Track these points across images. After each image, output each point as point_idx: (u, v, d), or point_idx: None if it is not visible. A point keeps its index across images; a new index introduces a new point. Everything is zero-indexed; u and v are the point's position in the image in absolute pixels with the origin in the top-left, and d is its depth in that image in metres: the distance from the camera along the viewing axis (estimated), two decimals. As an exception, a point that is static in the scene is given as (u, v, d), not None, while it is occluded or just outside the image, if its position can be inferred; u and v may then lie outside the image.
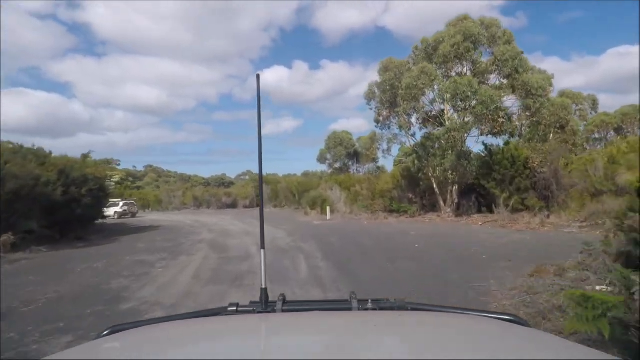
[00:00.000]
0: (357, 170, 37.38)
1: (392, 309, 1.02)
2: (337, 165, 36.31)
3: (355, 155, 35.68)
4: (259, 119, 1.26)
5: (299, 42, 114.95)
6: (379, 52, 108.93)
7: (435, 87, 14.32)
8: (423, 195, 19.54)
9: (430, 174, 17.13)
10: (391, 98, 16.53)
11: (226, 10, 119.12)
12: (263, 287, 1.08)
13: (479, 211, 16.09)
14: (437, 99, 15.33)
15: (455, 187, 16.45)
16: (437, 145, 15.77)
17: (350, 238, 10.91)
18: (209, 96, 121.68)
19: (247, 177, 63.23)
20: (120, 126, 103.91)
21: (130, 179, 61.70)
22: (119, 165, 74.44)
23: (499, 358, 0.68)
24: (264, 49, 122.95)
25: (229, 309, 1.03)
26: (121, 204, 28.65)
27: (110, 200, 22.63)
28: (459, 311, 1.03)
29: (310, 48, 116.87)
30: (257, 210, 29.64)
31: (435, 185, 17.13)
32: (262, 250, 1.16)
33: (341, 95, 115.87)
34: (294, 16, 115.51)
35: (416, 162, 16.95)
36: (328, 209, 19.05)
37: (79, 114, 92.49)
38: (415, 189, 20.16)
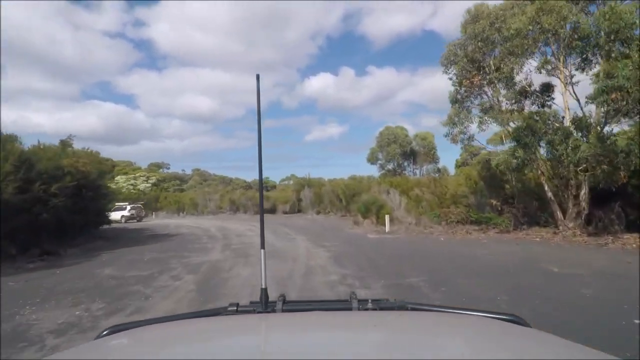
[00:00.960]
0: (412, 172, 32.03)
1: (392, 309, 1.01)
2: (389, 166, 31.23)
3: (411, 155, 30.39)
4: (259, 119, 1.28)
5: (345, 49, 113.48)
6: (426, 57, 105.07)
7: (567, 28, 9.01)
8: (511, 202, 14.12)
9: (540, 171, 11.75)
10: (480, 58, 11.46)
11: (275, 21, 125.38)
12: (263, 287, 1.06)
13: (628, 228, 10.41)
14: (560, 51, 9.94)
15: (585, 191, 10.90)
16: (551, 129, 10.48)
17: (448, 277, 6.07)
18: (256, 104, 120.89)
19: (291, 182, 60.21)
20: (176, 134, 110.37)
21: (177, 181, 61.58)
22: (168, 169, 77.02)
23: (499, 358, 0.67)
24: (310, 57, 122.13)
25: (229, 309, 1.02)
26: (128, 207, 26.84)
27: (116, 203, 19.91)
28: (459, 311, 1.01)
29: (356, 54, 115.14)
30: (297, 218, 25.43)
31: (547, 188, 11.68)
32: (262, 250, 1.14)
33: (387, 101, 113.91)
34: (341, 23, 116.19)
35: (519, 153, 11.63)
36: (387, 218, 14.22)
37: (141, 123, 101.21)
38: (499, 193, 14.78)
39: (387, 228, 13.94)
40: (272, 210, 32.36)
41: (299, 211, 30.94)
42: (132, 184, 36.22)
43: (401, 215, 15.60)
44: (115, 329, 0.91)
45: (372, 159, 30.68)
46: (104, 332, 0.91)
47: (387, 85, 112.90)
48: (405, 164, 31.26)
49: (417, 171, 31.59)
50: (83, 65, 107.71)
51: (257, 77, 1.28)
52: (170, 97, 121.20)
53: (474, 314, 1.00)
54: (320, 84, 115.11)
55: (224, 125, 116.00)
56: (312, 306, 1.06)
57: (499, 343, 0.78)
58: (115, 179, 37.37)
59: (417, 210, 16.15)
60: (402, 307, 1.01)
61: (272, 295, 1.03)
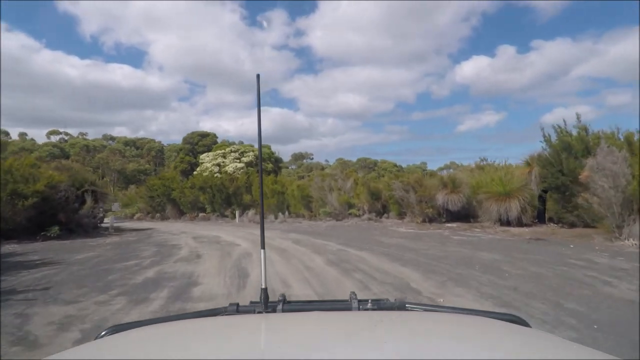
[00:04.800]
0: None
1: (392, 309, 1.02)
2: None
3: None
4: (259, 119, 1.26)
5: (504, 26, 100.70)
6: (616, 15, 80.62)
7: None
8: None
9: None
10: None
11: (424, 9, 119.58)
12: (263, 287, 1.05)
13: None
14: None
15: None
16: None
17: None
18: (406, 97, 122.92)
19: (451, 170, 40.11)
20: (330, 131, 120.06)
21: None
22: (311, 159, 70.61)
23: (499, 358, 0.67)
24: (462, 41, 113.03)
25: (229, 308, 1.02)
26: None
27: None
28: (459, 311, 1.03)
29: (518, 29, 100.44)
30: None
31: None
32: (262, 250, 1.13)
33: (558, 80, 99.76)
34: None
35: None
36: None
37: (301, 123, 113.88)
38: None
39: None
40: (467, 215, 14.17)
41: (536, 220, 12.06)
42: (218, 164, 24.02)
43: None
44: (115, 329, 0.91)
45: None
46: (104, 332, 0.91)
47: (558, 60, 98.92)
48: None
49: None
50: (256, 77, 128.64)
51: (257, 77, 1.26)
52: (325, 98, 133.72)
53: (473, 314, 1.01)
54: (473, 68, 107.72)
55: (374, 119, 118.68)
56: (312, 306, 1.07)
57: (498, 343, 0.79)
58: (201, 157, 25.84)
59: None
60: (401, 307, 1.01)
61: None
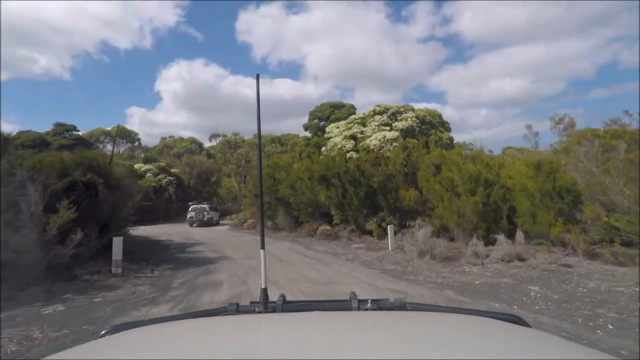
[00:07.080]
0: None
1: (391, 309, 1.00)
2: None
3: None
4: (258, 119, 1.25)
5: None
6: None
7: None
8: None
9: None
10: None
11: None
12: (263, 287, 1.05)
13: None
14: None
15: None
16: None
17: None
18: (582, 71, 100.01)
19: None
20: (483, 123, 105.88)
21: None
22: (470, 149, 62.20)
23: (499, 358, 0.66)
24: None
25: (229, 308, 1.02)
26: (190, 208, 17.62)
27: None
28: (459, 311, 1.01)
29: None
30: None
31: None
32: (262, 251, 1.14)
33: None
34: None
35: None
36: None
37: (450, 116, 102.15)
38: None
39: None
40: None
41: None
42: (352, 136, 14.62)
43: None
44: (116, 329, 0.90)
45: None
46: (104, 332, 0.90)
47: None
48: None
49: None
50: (403, 74, 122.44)
51: (257, 76, 1.24)
52: (476, 86, 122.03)
53: (473, 314, 0.99)
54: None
55: (537, 105, 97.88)
56: (312, 306, 1.05)
57: (498, 343, 0.77)
58: (327, 129, 17.19)
59: None
60: (401, 307, 1.00)
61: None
